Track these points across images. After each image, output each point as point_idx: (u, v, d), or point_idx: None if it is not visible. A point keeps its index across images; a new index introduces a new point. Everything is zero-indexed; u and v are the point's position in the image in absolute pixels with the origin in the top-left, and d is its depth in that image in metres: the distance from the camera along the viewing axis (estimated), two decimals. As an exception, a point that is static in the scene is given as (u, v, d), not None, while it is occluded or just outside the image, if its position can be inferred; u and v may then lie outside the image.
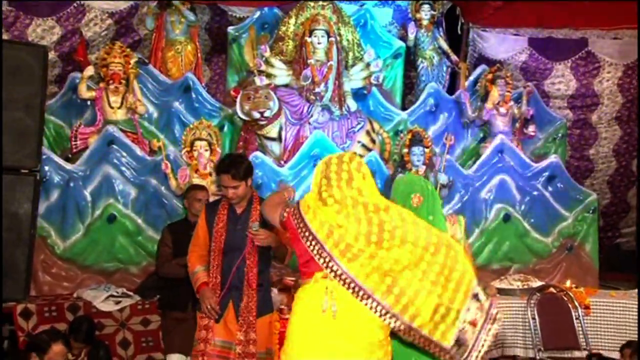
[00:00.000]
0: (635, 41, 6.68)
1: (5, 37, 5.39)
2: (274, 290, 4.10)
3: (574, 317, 4.62)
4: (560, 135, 6.51)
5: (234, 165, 3.41)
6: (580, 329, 4.61)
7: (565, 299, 4.70)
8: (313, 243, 2.49)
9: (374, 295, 2.41)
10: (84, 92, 5.42)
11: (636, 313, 4.59)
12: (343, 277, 2.44)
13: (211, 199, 4.30)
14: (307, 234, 2.52)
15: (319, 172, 2.61)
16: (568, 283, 5.21)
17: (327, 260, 2.46)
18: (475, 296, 2.45)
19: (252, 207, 3.46)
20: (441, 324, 2.40)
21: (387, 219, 2.46)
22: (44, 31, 5.61)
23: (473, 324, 2.43)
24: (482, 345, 2.44)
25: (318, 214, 2.52)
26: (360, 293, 2.42)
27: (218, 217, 3.46)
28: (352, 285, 2.43)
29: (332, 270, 2.46)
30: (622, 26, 6.59)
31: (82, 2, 5.73)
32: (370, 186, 2.60)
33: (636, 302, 4.66)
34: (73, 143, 5.33)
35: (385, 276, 2.43)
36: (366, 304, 2.42)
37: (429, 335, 2.40)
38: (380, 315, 2.41)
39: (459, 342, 2.41)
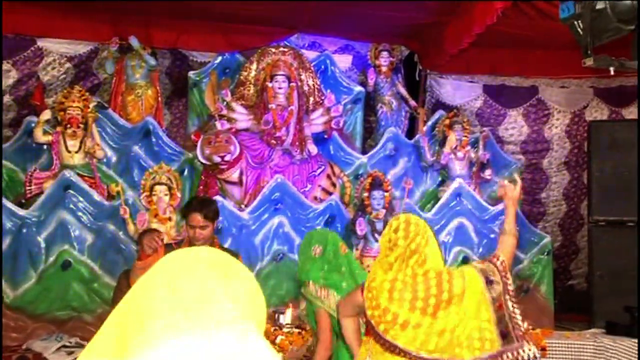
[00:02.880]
0: (580, 90, 7.00)
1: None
2: None
3: (532, 360, 4.66)
4: (515, 178, 6.67)
5: (205, 204, 3.41)
6: (537, 371, 4.64)
7: (524, 341, 4.75)
8: None
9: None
10: (40, 136, 5.33)
11: (590, 353, 4.67)
12: None
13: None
14: None
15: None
16: (524, 325, 5.26)
17: None
18: (489, 282, 2.40)
19: None
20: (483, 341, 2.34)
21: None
22: (-1, 75, 5.54)
23: (500, 307, 2.39)
24: (516, 314, 2.39)
25: None
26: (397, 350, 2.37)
27: None
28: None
29: None
30: (570, 75, 6.90)
31: (40, 45, 5.69)
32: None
33: (590, 342, 4.75)
34: (27, 188, 5.20)
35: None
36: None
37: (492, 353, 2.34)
38: None
39: (503, 334, 2.37)
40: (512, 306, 2.43)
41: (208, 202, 3.49)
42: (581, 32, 2.76)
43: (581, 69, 5.89)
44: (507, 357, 2.37)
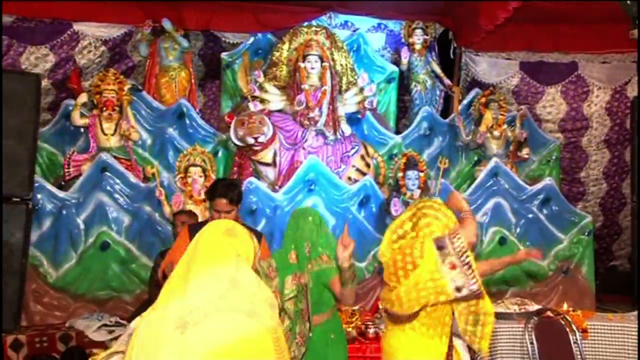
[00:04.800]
0: (623, 65, 6.77)
1: (-3, 65, 5.41)
2: None
3: (572, 341, 4.56)
4: (554, 157, 6.54)
5: (230, 189, 3.42)
6: (578, 353, 4.56)
7: (563, 322, 4.65)
8: None
9: None
10: (78, 119, 5.41)
11: (635, 336, 4.55)
12: None
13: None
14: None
15: None
16: (565, 306, 5.17)
17: None
18: (440, 248, 2.65)
19: None
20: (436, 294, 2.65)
21: None
22: (37, 59, 5.62)
23: (453, 267, 2.64)
24: (467, 262, 2.62)
25: None
26: None
27: None
28: None
29: None
30: (611, 50, 6.68)
31: (75, 29, 5.76)
32: None
33: (635, 325, 4.62)
34: (66, 170, 5.29)
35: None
36: None
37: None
38: None
39: (458, 288, 2.63)
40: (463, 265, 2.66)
41: (233, 186, 3.49)
42: (629, 2, 2.64)
43: (623, 43, 5.75)
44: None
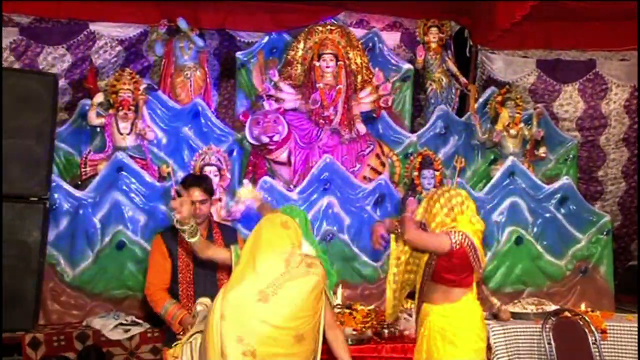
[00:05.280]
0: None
1: (16, 65, 5.47)
2: None
3: (591, 342, 4.52)
4: (571, 156, 6.46)
5: (202, 179, 3.45)
6: (597, 354, 4.51)
7: (581, 323, 4.61)
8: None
9: None
10: (94, 119, 5.43)
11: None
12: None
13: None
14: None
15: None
16: (583, 306, 5.13)
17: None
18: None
19: (214, 233, 3.46)
20: None
21: None
22: (54, 59, 5.67)
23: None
24: None
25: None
26: None
27: (180, 245, 3.41)
28: None
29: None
30: (630, 47, 6.59)
31: (92, 29, 5.79)
32: None
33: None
34: (82, 170, 5.32)
35: None
36: None
37: None
38: None
39: None
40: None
41: (204, 177, 3.64)
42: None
43: (641, 40, 5.69)
44: None
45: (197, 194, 3.35)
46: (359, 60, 6.05)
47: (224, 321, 2.48)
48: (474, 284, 3.40)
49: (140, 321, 4.64)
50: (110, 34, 5.87)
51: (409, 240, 3.24)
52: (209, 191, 3.43)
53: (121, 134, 5.39)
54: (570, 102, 6.81)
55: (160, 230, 3.80)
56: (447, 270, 3.28)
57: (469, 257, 3.25)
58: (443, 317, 3.29)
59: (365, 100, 5.99)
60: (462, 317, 3.29)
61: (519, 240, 5.71)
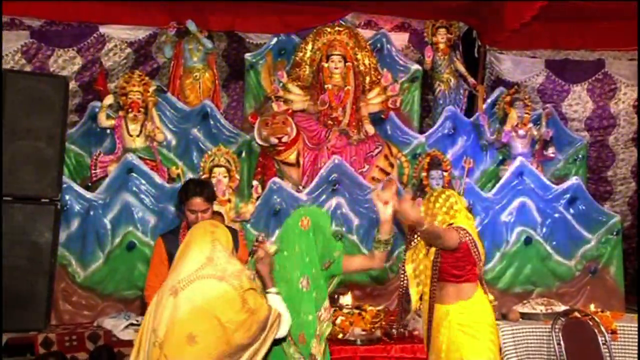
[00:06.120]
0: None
1: (27, 68, 5.52)
2: None
3: (601, 343, 4.51)
4: (580, 156, 6.44)
5: (204, 187, 3.42)
6: (607, 354, 4.49)
7: (591, 323, 4.60)
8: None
9: None
10: (104, 121, 5.48)
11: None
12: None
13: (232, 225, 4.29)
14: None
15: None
16: (592, 307, 5.11)
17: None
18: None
19: None
20: None
21: None
22: (65, 62, 5.72)
23: None
24: None
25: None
26: None
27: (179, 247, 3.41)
28: None
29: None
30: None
31: (102, 32, 5.84)
32: None
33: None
34: (93, 171, 5.36)
35: None
36: None
37: None
38: None
39: None
40: None
41: (205, 184, 3.50)
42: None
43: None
44: None
45: (199, 203, 3.34)
46: (367, 62, 6.06)
47: (147, 313, 2.60)
48: (478, 280, 3.55)
49: (150, 322, 4.66)
50: (119, 36, 5.92)
51: (427, 230, 3.23)
52: (211, 199, 3.41)
53: (131, 135, 5.43)
54: (579, 102, 6.79)
55: (162, 233, 3.81)
56: (453, 265, 3.42)
57: (470, 250, 3.42)
58: (461, 315, 3.42)
59: (373, 101, 6.00)
60: (478, 311, 3.46)
61: (528, 241, 5.70)
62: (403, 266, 3.63)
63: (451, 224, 3.45)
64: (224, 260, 2.56)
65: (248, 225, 5.17)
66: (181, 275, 2.51)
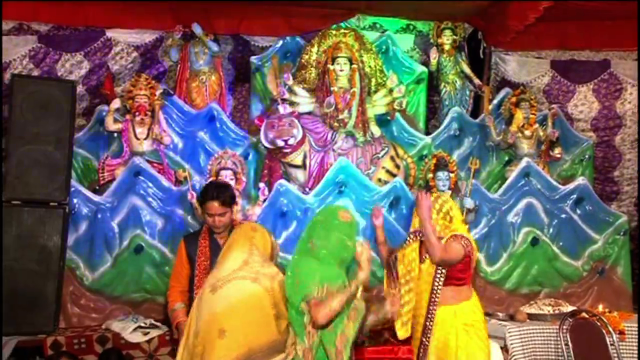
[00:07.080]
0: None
1: (35, 72, 5.55)
2: None
3: (609, 343, 4.51)
4: (586, 156, 6.44)
5: (221, 192, 3.44)
6: (615, 355, 4.49)
7: (599, 324, 4.60)
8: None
9: None
10: (111, 125, 5.50)
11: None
12: None
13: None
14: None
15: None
16: (600, 307, 5.10)
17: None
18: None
19: None
20: None
21: None
22: (72, 66, 5.74)
23: None
24: None
25: None
26: None
27: (199, 250, 3.45)
28: None
29: None
30: (645, 46, 6.56)
31: (108, 36, 5.87)
32: None
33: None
34: (100, 175, 5.38)
35: None
36: None
37: None
38: None
39: None
40: None
41: (224, 189, 3.54)
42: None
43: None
44: None
45: (216, 207, 3.36)
46: (372, 63, 6.06)
47: (193, 307, 2.87)
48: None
49: (159, 324, 4.70)
50: (126, 40, 5.95)
51: (442, 259, 3.48)
52: (229, 203, 3.43)
53: (138, 139, 5.45)
54: (584, 102, 6.79)
55: (185, 234, 3.84)
56: (460, 270, 3.61)
57: (472, 258, 3.63)
58: (465, 314, 3.57)
59: (379, 103, 6.01)
60: (476, 311, 3.67)
61: (534, 241, 5.69)
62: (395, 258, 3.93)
63: (453, 231, 3.64)
64: (258, 265, 2.83)
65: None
66: (221, 274, 2.80)
